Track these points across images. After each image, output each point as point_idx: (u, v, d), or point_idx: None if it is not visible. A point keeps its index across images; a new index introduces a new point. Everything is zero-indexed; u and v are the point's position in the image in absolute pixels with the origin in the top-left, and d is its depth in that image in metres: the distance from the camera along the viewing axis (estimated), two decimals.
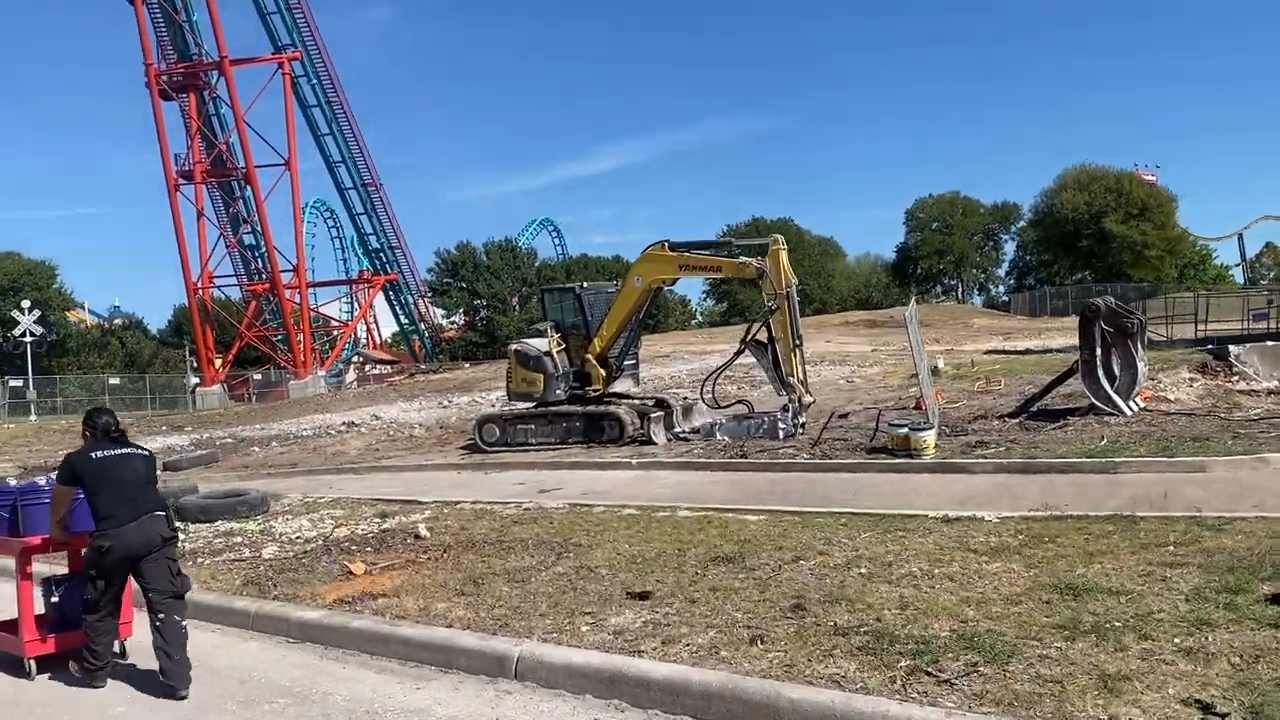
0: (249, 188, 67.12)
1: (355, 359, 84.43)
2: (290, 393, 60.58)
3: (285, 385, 64.35)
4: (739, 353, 19.02)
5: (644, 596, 7.29)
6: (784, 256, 17.52)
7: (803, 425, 17.53)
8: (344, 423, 29.01)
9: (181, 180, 65.56)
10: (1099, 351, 15.99)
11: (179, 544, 7.27)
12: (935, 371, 24.36)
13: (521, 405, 20.78)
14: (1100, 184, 75.76)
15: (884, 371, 26.92)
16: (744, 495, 12.68)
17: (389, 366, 78.02)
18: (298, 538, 11.66)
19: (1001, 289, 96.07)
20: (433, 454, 21.64)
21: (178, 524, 13.90)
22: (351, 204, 74.68)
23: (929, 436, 14.17)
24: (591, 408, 19.49)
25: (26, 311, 52.50)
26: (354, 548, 10.63)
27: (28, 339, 52.43)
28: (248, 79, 68.05)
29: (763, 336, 18.04)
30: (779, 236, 17.62)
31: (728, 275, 18.79)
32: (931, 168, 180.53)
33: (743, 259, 17.99)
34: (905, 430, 14.53)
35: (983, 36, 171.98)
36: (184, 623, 6.69)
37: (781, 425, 17.40)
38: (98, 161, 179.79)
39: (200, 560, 10.53)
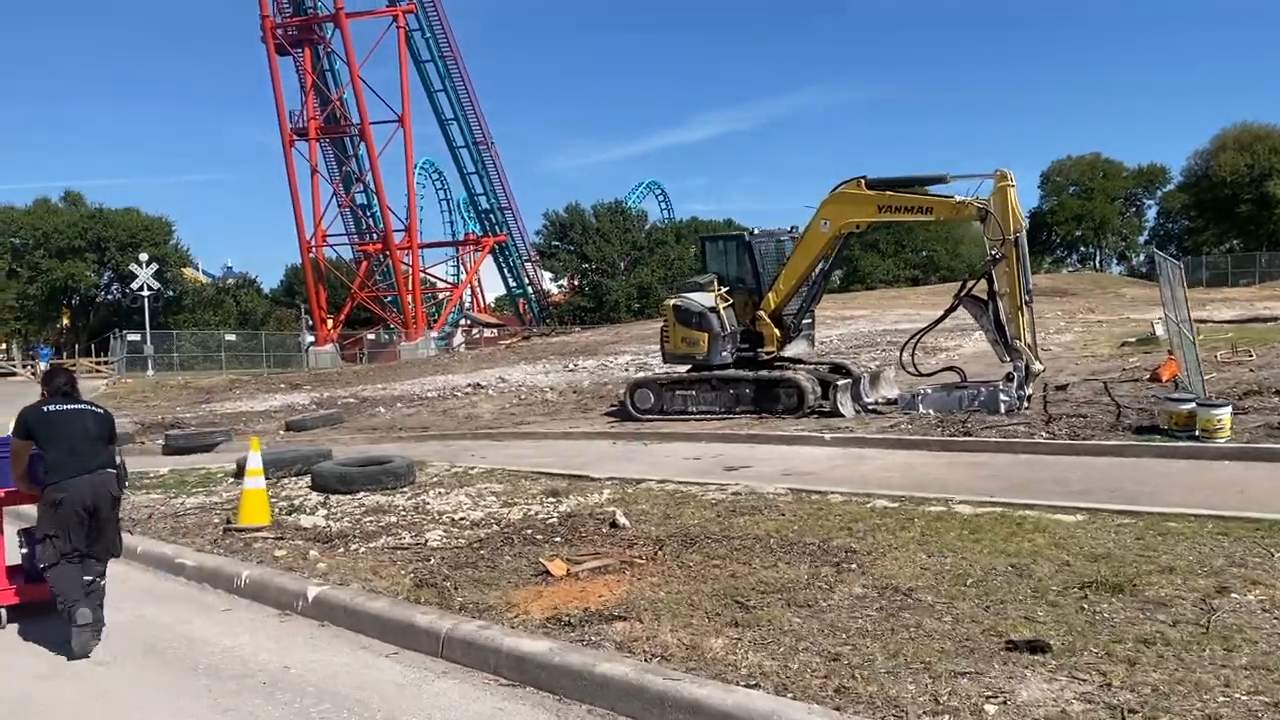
0: (362, 145, 65.97)
1: (462, 321, 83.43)
2: (401, 354, 59.50)
3: (396, 346, 63.38)
4: (951, 309, 16.27)
5: (1039, 649, 4.80)
6: (1013, 194, 14.68)
7: (1029, 397, 14.76)
8: (469, 384, 27.10)
9: (296, 137, 64.75)
10: None
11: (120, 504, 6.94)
12: (1153, 339, 21.25)
13: (680, 368, 18.40)
14: (1265, 144, 69.74)
15: (1081, 339, 23.78)
16: (1006, 485, 10.12)
17: (495, 330, 76.76)
18: (462, 519, 9.47)
19: (1142, 257, 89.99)
20: (576, 420, 19.43)
21: (313, 494, 12.06)
22: (462, 163, 73.14)
23: (1224, 415, 11.31)
24: (764, 373, 16.98)
25: (144, 265, 52.08)
26: (539, 537, 8.39)
27: (146, 293, 52.07)
28: (362, 34, 66.82)
29: (982, 291, 15.26)
30: (1006, 170, 14.76)
31: (940, 218, 16.02)
32: (1065, 131, 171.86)
33: (960, 197, 15.17)
34: (1190, 406, 11.68)
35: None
36: (104, 581, 6.77)
37: (1004, 397, 14.67)
38: (207, 124, 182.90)
39: (354, 547, 8.39)
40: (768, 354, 17.20)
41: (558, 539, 8.29)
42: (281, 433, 21.18)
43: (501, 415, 21.11)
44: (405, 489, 11.75)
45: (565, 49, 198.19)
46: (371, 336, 65.69)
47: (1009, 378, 14.81)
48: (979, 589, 5.91)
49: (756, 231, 17.66)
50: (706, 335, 17.04)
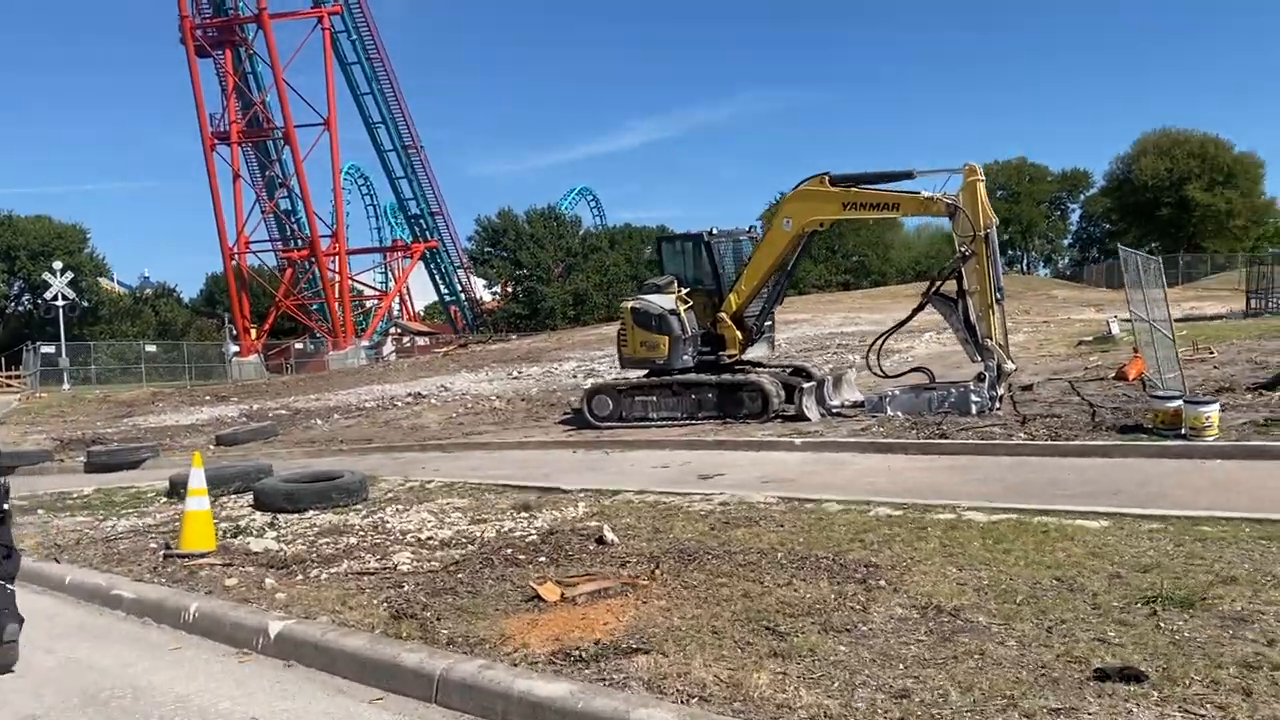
0: (286, 149, 64.34)
1: (393, 330, 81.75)
2: (329, 364, 57.89)
3: (324, 356, 61.69)
4: (919, 308, 15.89)
5: (1133, 677, 4.24)
6: (982, 189, 14.32)
7: (1000, 398, 14.41)
8: (409, 394, 26.11)
9: (217, 141, 62.80)
10: None
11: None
12: (1109, 338, 21.18)
13: (636, 373, 17.75)
14: (1183, 149, 71.54)
15: (1034, 339, 23.68)
16: (1002, 489, 9.66)
17: (427, 338, 75.32)
18: (430, 539, 8.69)
19: (1066, 260, 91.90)
20: (530, 429, 18.66)
21: (258, 514, 11.14)
22: (391, 167, 71.66)
23: (1212, 413, 11.01)
24: (727, 376, 16.42)
25: (59, 274, 49.82)
26: (521, 557, 7.66)
27: (60, 303, 49.83)
28: (286, 35, 65.14)
29: (950, 289, 14.89)
30: (975, 165, 14.41)
31: (907, 214, 15.64)
32: (992, 137, 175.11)
33: (928, 193, 14.77)
34: (1177, 404, 11.38)
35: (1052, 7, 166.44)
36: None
37: (975, 398, 14.31)
38: (122, 129, 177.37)
39: (314, 573, 7.56)
40: (730, 357, 16.65)
41: (542, 559, 7.56)
42: (212, 447, 20.04)
43: (449, 425, 20.23)
44: (359, 506, 10.92)
45: (492, 55, 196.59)
46: (299, 346, 63.81)
47: (980, 378, 14.46)
48: (1033, 607, 5.35)
49: (715, 231, 17.09)
50: (667, 338, 16.43)
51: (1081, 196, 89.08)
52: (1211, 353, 16.96)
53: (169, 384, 45.43)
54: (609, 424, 16.99)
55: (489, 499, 10.85)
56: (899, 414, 14.82)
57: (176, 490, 12.36)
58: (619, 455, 14.75)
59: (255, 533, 9.45)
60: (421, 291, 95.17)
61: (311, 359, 62.66)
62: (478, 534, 8.78)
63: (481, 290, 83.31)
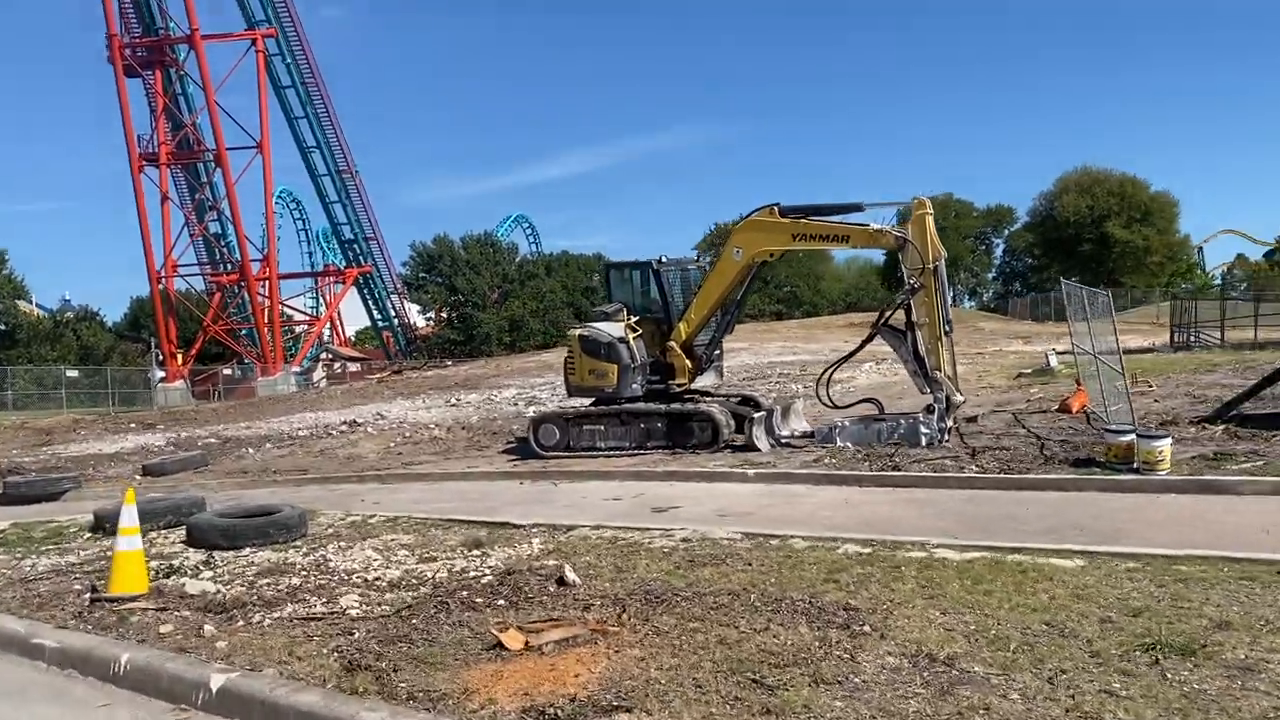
0: (217, 172, 62.85)
1: (323, 356, 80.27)
2: (259, 390, 56.48)
3: (253, 382, 60.17)
4: (868, 340, 15.81)
5: None
6: (930, 222, 14.33)
7: (950, 430, 14.37)
8: (344, 422, 25.41)
9: (145, 162, 61.17)
10: None
11: None
12: (1048, 370, 21.39)
13: (583, 402, 17.43)
14: (1103, 187, 73.53)
15: (972, 370, 23.84)
16: (964, 524, 9.53)
17: (359, 364, 74.07)
18: (378, 580, 8.25)
19: (990, 293, 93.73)
20: (472, 459, 18.19)
21: (191, 551, 10.55)
22: (325, 191, 70.36)
23: (1164, 447, 11.04)
24: (676, 406, 16.17)
25: None
26: (477, 600, 7.27)
27: None
28: (218, 57, 63.91)
29: (899, 321, 14.85)
30: (924, 199, 14.43)
31: (857, 246, 15.56)
32: (919, 172, 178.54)
33: (877, 226, 14.75)
34: (1129, 438, 11.40)
35: (971, 45, 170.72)
36: None
37: (925, 429, 14.24)
38: (43, 150, 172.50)
39: (256, 619, 7.08)
40: (679, 386, 16.42)
41: (500, 602, 7.19)
42: (138, 477, 19.21)
43: (387, 455, 19.66)
44: (298, 543, 10.40)
45: (428, 83, 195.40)
46: (228, 372, 62.19)
47: (929, 409, 14.41)
48: (1028, 655, 5.14)
49: (664, 259, 16.89)
50: (616, 367, 16.14)
51: (1005, 232, 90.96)
52: (1151, 386, 17.18)
53: (91, 410, 43.81)
54: (555, 453, 16.63)
55: (436, 535, 10.41)
56: (849, 445, 14.71)
57: (102, 525, 11.69)
58: (567, 486, 14.38)
59: (190, 572, 8.90)
60: (353, 317, 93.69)
61: (239, 385, 61.05)
62: (429, 574, 8.37)
63: (416, 316, 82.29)
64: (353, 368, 69.32)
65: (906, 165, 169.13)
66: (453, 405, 27.78)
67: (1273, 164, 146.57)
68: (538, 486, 14.66)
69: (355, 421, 25.20)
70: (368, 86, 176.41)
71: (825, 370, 16.60)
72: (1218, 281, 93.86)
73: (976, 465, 12.68)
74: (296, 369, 63.77)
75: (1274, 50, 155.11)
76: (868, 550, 8.01)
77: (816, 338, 48.38)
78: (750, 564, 7.82)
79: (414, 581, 8.12)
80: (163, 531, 11.59)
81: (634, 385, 16.30)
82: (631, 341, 16.33)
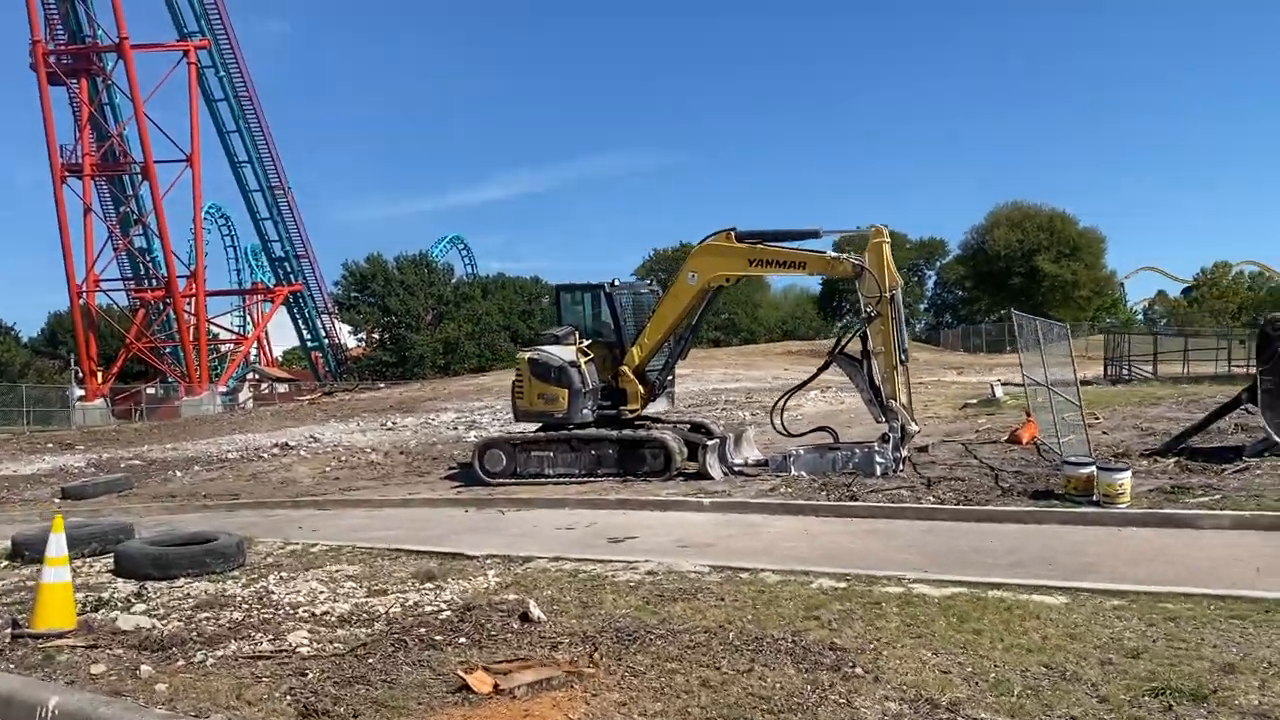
0: (144, 184, 61.13)
1: (250, 376, 78.34)
2: (183, 410, 54.75)
3: (177, 402, 58.35)
4: (824, 368, 15.66)
5: None
6: (888, 250, 14.26)
7: (904, 459, 14.26)
8: (275, 444, 24.58)
9: (68, 173, 59.25)
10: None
11: None
12: (994, 400, 21.50)
13: (529, 427, 17.02)
14: (1033, 222, 75.24)
15: (919, 401, 23.85)
16: (929, 557, 9.38)
17: (287, 385, 72.40)
18: (327, 615, 7.76)
19: (921, 324, 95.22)
20: (413, 484, 17.63)
21: (120, 582, 9.91)
22: (256, 207, 68.85)
23: (1125, 480, 11.02)
24: (628, 432, 15.82)
25: None
26: (437, 637, 6.85)
27: None
28: (148, 67, 62.33)
29: (855, 349, 14.74)
30: (882, 227, 14.36)
31: (814, 272, 15.44)
32: (853, 203, 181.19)
33: (834, 253, 14.65)
34: (1089, 470, 11.36)
35: (909, 76, 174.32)
36: None
37: (880, 459, 14.11)
38: None
39: (198, 658, 6.56)
40: (631, 412, 16.09)
41: (462, 639, 6.77)
42: (58, 501, 18.27)
43: (323, 480, 18.99)
44: (236, 573, 9.85)
45: (359, 99, 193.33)
46: (151, 391, 60.25)
47: (884, 439, 14.29)
48: (1035, 701, 4.91)
49: (617, 282, 16.60)
50: (566, 391, 15.75)
51: (937, 264, 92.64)
52: (1098, 418, 17.31)
53: (4, 429, 42.01)
54: (502, 480, 16.16)
55: (384, 566, 9.93)
56: (803, 474, 14.52)
57: (20, 553, 10.98)
58: (516, 515, 13.95)
59: (121, 605, 8.31)
60: (280, 337, 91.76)
61: (162, 405, 59.13)
62: (381, 609, 7.90)
63: (347, 337, 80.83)
64: (281, 389, 67.64)
65: (843, 195, 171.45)
66: (389, 429, 27.10)
67: (1192, 205, 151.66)
68: (484, 515, 14.20)
69: (287, 444, 24.40)
70: (305, 103, 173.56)
71: (779, 398, 16.40)
72: (1140, 316, 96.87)
73: (934, 496, 12.56)
74: (223, 389, 62.06)
75: (1196, 98, 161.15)
76: (843, 585, 7.76)
77: (757, 365, 48.46)
78: (723, 599, 7.51)
79: (365, 616, 7.66)
80: (88, 560, 10.93)
81: (585, 410, 15.94)
82: (583, 365, 15.98)
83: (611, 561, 9.24)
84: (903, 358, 14.26)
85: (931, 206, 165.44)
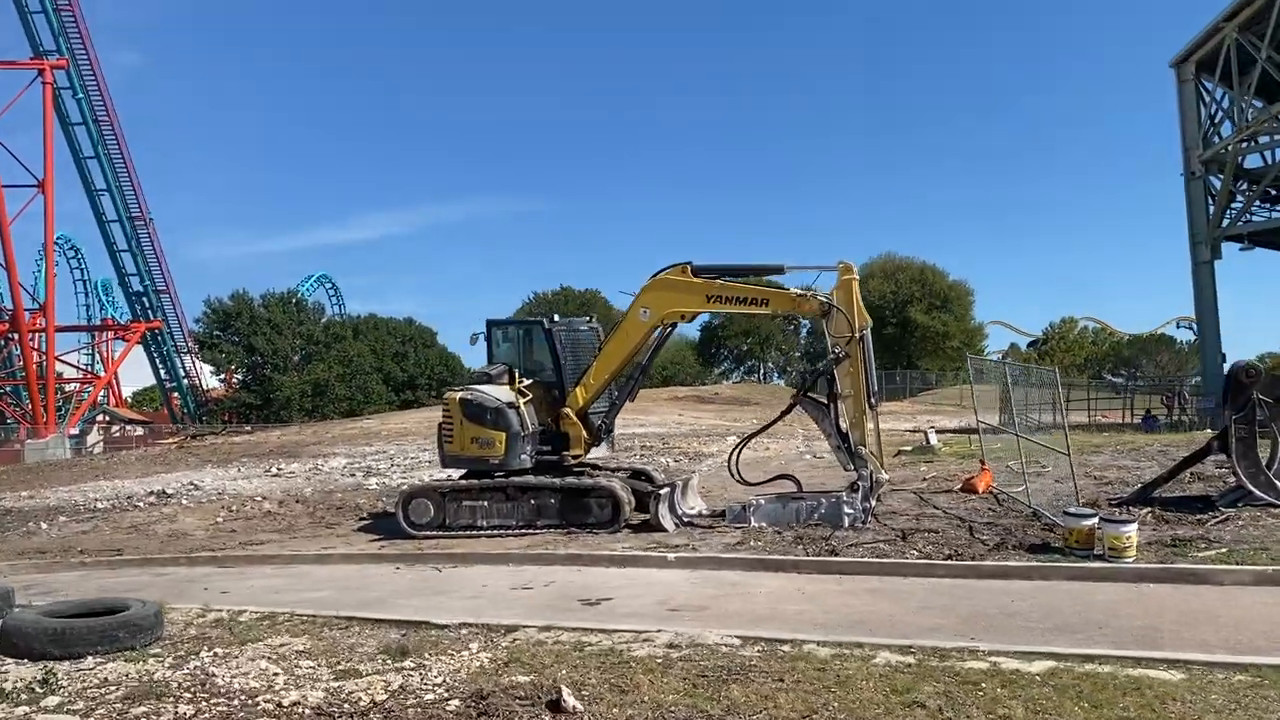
0: None
1: (100, 418, 73.22)
2: (26, 454, 50.36)
3: (18, 444, 53.72)
4: (787, 411, 14.79)
5: None
6: (856, 288, 13.54)
7: (872, 510, 13.46)
8: (150, 492, 22.24)
9: None
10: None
11: None
12: (928, 448, 21.07)
13: (452, 474, 15.61)
14: (906, 274, 77.31)
15: None
16: (959, 621, 8.55)
17: (142, 428, 67.89)
18: (298, 705, 6.34)
19: (797, 371, 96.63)
20: (325, 538, 15.89)
21: (12, 664, 8.12)
22: (113, 238, 64.69)
23: (1131, 532, 10.43)
24: (571, 480, 14.57)
25: None
26: None
27: None
28: None
29: (821, 392, 13.93)
30: (850, 264, 13.65)
31: (777, 311, 14.59)
32: (728, 255, 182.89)
33: (799, 290, 13.85)
34: (1091, 523, 10.75)
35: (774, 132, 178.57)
36: None
37: (848, 509, 13.27)
38: None
39: None
40: (575, 457, 14.85)
41: None
42: None
43: (218, 532, 17.01)
44: (156, 649, 8.24)
45: (217, 131, 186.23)
46: None
47: (853, 488, 13.47)
48: None
49: (557, 319, 15.41)
50: (504, 434, 14.42)
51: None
52: (1045, 467, 16.95)
53: None
54: (428, 532, 14.66)
55: (337, 638, 8.46)
56: (764, 525, 13.55)
57: None
58: (455, 573, 12.51)
59: (26, 699, 6.64)
60: (129, 377, 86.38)
61: (3, 447, 54.37)
62: (363, 697, 6.50)
63: (208, 377, 76.57)
64: (137, 431, 63.23)
65: (713, 245, 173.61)
66: (275, 475, 25.00)
67: (1043, 263, 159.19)
68: (419, 572, 12.70)
69: (164, 492, 22.11)
70: (157, 137, 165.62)
71: (737, 445, 15.39)
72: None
73: (916, 550, 11.75)
74: (72, 431, 57.54)
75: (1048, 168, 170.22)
76: (909, 659, 6.77)
77: (650, 410, 47.55)
78: (782, 680, 6.41)
79: (349, 709, 6.25)
80: None
81: (524, 456, 14.62)
82: (522, 407, 14.69)
83: (616, 631, 8.02)
84: (872, 401, 13.49)
85: (807, 257, 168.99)
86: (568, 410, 14.74)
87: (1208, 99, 35.42)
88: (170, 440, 51.16)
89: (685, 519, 14.51)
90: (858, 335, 13.39)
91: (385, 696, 6.47)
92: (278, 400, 73.79)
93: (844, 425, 13.69)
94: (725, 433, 30.38)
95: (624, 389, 15.28)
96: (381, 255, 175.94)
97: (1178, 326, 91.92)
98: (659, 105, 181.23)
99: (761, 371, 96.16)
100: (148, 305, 68.21)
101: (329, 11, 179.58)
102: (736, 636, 7.60)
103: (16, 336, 56.85)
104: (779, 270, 14.17)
